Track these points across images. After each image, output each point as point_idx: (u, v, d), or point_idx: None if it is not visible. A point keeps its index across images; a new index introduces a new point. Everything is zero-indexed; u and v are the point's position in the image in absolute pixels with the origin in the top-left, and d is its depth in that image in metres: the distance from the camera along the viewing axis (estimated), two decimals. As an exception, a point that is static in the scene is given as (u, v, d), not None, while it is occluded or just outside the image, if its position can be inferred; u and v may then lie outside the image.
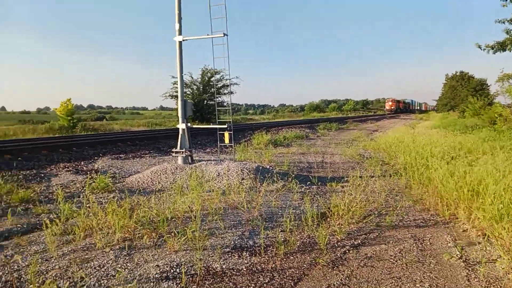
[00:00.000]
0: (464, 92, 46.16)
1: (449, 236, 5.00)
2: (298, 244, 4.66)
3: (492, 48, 15.78)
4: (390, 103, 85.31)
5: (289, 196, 7.04)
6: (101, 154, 12.28)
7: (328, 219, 5.63)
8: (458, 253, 4.40)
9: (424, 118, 52.05)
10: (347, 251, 4.50)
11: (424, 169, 7.94)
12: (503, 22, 14.95)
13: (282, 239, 4.74)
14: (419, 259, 4.28)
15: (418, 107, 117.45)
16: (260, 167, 9.08)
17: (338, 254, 4.40)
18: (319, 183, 8.15)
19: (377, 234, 5.09)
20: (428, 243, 4.76)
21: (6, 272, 3.86)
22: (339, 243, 4.75)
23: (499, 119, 18.79)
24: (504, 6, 15.02)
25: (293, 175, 8.35)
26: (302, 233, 5.06)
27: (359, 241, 4.81)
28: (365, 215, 5.72)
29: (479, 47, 16.17)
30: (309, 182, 8.08)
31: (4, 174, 8.74)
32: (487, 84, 45.19)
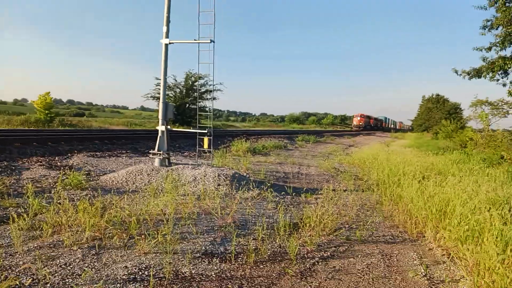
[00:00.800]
0: (438, 114, 47.65)
1: (415, 253, 5.14)
2: (268, 253, 4.70)
3: (468, 74, 16.35)
4: (359, 118, 79.15)
5: (263, 205, 7.09)
6: (76, 151, 12.05)
7: (300, 229, 5.70)
8: (423, 271, 4.53)
9: (399, 137, 53.27)
10: (316, 263, 4.56)
11: (395, 187, 8.14)
12: (481, 50, 15.54)
13: (254, 247, 4.78)
14: (385, 274, 4.38)
15: (393, 125, 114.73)
16: (237, 174, 9.11)
17: (307, 265, 4.46)
18: (294, 193, 8.24)
19: (347, 247, 5.18)
20: (395, 260, 4.88)
21: (-33, 265, 3.75)
22: (309, 254, 4.82)
23: (470, 142, 19.47)
24: (482, 34, 15.63)
25: (269, 184, 8.42)
26: (274, 242, 5.11)
27: (329, 254, 4.89)
28: (336, 228, 5.82)
29: (456, 72, 16.74)
30: (284, 192, 8.16)
31: (-28, 164, 8.47)
32: (460, 108, 46.87)
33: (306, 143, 25.42)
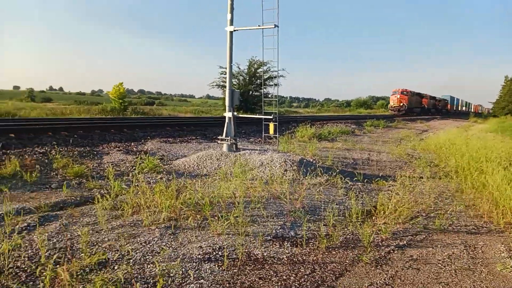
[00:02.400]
0: (526, 96, 43.17)
1: (503, 245, 4.70)
2: (341, 240, 4.58)
3: None
4: (398, 96, 51.57)
5: (332, 191, 6.93)
6: (150, 137, 12.69)
7: (374, 217, 5.48)
8: (513, 264, 4.13)
9: (478, 121, 49.23)
10: (391, 251, 4.36)
11: (478, 174, 7.51)
12: None
13: (325, 233, 4.68)
14: (469, 266, 4.06)
15: (465, 108, 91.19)
16: (304, 160, 9.00)
17: (382, 253, 4.27)
18: (365, 180, 7.94)
19: (424, 236, 4.89)
20: (480, 251, 4.51)
21: (61, 239, 4.10)
22: (383, 242, 4.61)
23: None
24: None
25: (338, 170, 8.20)
26: (345, 229, 4.96)
27: (405, 242, 4.65)
28: (413, 217, 5.51)
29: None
30: (355, 178, 7.91)
31: (61, 149, 9.26)
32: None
33: (375, 128, 24.46)
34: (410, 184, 6.92)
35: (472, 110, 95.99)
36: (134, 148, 10.51)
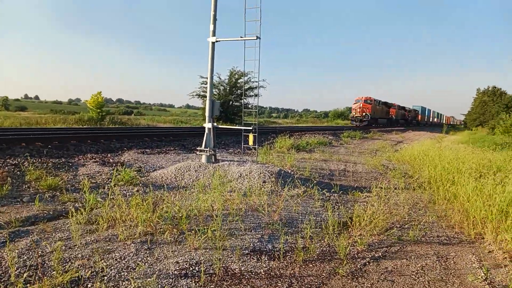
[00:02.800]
0: (495, 108, 44.83)
1: (474, 256, 4.85)
2: (317, 252, 4.62)
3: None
4: (360, 105, 45.87)
5: (310, 203, 6.99)
6: (127, 148, 12.53)
7: (349, 229, 5.56)
8: (483, 274, 4.25)
9: (451, 133, 50.74)
10: (367, 263, 4.43)
11: (449, 185, 7.74)
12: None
13: (302, 246, 4.71)
14: (442, 277, 4.17)
15: (437, 119, 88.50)
16: (282, 171, 9.06)
17: (358, 266, 4.33)
18: (341, 191, 8.06)
19: (399, 248, 4.99)
20: (452, 262, 4.63)
21: (32, 256, 3.99)
22: (359, 254, 4.68)
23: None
24: None
25: (315, 182, 8.29)
26: (322, 241, 5.01)
27: (380, 254, 4.73)
28: (387, 228, 5.62)
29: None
30: (332, 190, 8.00)
31: (34, 161, 9.03)
32: (520, 101, 43.71)
33: (352, 140, 24.86)
34: (385, 196, 7.06)
35: (445, 122, 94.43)
36: (111, 160, 10.35)
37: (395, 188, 8.53)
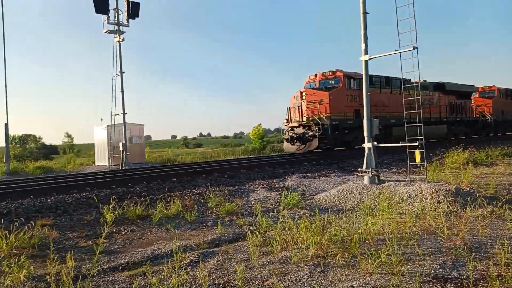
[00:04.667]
0: None
1: None
2: (519, 282, 3.87)
3: None
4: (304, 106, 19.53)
5: (499, 224, 6.00)
6: (289, 173, 13.10)
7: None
8: None
9: None
10: None
11: None
12: None
13: (496, 274, 4.02)
14: None
15: None
16: (459, 189, 8.05)
17: None
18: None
19: None
20: None
21: (219, 275, 4.43)
22: None
23: None
24: None
25: (504, 200, 7.08)
26: (524, 269, 4.18)
27: None
28: None
29: None
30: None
31: (213, 189, 10.22)
32: None
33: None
34: None
35: None
36: (276, 185, 10.95)
37: None
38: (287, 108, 20.45)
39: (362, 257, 4.51)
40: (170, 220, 7.53)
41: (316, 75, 20.44)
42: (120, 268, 5.05)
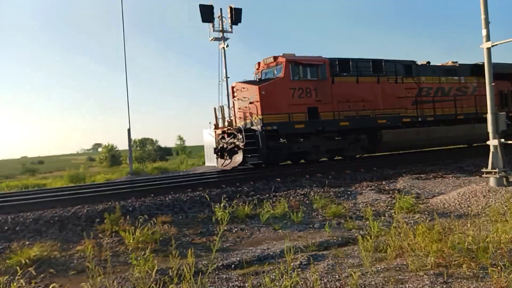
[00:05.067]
0: None
1: None
2: None
3: None
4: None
5: None
6: (400, 174, 12.31)
7: None
8: None
9: None
10: None
11: None
12: None
13: None
14: None
15: None
16: None
17: None
18: None
19: None
20: None
21: (330, 279, 4.33)
22: None
23: None
24: None
25: None
26: None
27: None
28: None
29: None
30: None
31: (318, 190, 10.09)
32: None
33: None
34: None
35: None
36: (386, 187, 10.39)
37: None
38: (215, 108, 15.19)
39: (493, 268, 4.00)
40: (277, 220, 7.63)
41: (259, 63, 15.05)
42: (232, 266, 5.27)
